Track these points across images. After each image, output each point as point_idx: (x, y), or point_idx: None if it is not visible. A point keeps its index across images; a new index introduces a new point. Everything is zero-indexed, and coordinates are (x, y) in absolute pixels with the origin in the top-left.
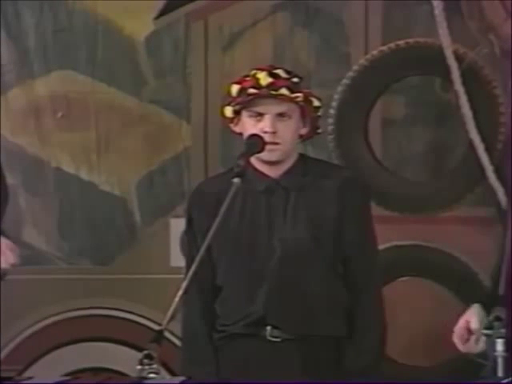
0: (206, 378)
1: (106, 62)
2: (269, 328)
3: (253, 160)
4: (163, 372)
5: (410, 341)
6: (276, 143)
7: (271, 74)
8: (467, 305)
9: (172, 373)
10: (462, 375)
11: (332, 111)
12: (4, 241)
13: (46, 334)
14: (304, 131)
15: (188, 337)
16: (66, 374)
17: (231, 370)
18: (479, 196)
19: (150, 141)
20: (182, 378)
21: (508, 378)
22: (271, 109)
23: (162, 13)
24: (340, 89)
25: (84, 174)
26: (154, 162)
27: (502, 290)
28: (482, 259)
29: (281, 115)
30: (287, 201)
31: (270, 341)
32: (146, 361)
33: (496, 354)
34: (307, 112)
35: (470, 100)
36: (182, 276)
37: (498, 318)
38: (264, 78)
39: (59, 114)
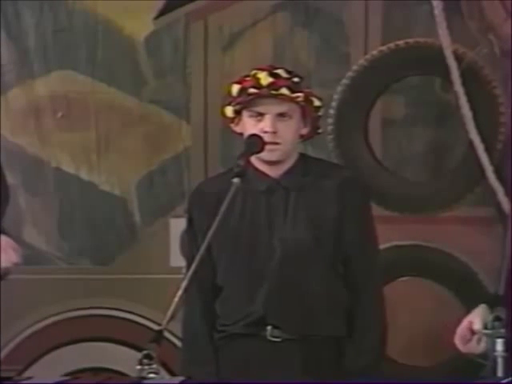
0: (206, 378)
1: (106, 62)
2: (269, 328)
3: (253, 160)
4: (163, 372)
5: (410, 341)
6: (276, 143)
7: (272, 74)
8: (467, 305)
9: (172, 373)
10: (462, 375)
11: (332, 111)
12: (7, 240)
13: (46, 334)
14: (305, 131)
15: (188, 337)
16: (66, 374)
17: (231, 370)
18: (479, 196)
19: (149, 141)
20: (181, 378)
21: (508, 377)
22: (272, 109)
23: (162, 13)
24: (340, 89)
25: (84, 174)
26: (154, 161)
27: (502, 289)
28: (482, 259)
29: (281, 115)
30: (287, 201)
31: (270, 341)
32: (145, 361)
33: (496, 353)
34: (308, 112)
35: (470, 100)
36: (181, 276)
37: (498, 318)
38: (265, 78)
39: (59, 114)
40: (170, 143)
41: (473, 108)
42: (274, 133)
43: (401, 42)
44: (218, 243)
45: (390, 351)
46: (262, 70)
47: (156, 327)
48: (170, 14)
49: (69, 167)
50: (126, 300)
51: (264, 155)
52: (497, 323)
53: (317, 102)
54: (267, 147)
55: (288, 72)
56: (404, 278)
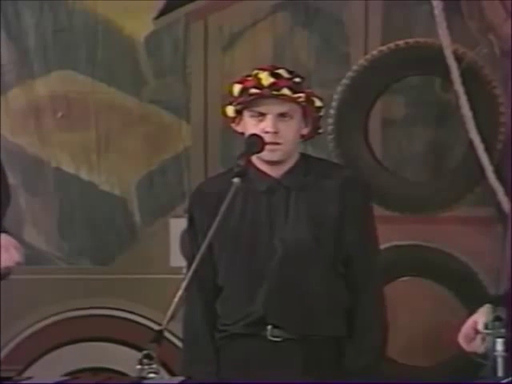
0: (207, 378)
1: (106, 62)
2: (269, 328)
3: (254, 160)
4: (163, 372)
5: (410, 341)
6: (277, 143)
7: (273, 74)
8: (467, 305)
9: (172, 373)
10: (462, 375)
11: (332, 111)
12: (8, 239)
13: (46, 334)
14: (305, 131)
15: (189, 336)
16: (66, 374)
17: (232, 370)
18: (479, 196)
19: (149, 141)
20: (181, 378)
21: (508, 378)
22: (273, 109)
23: (162, 13)
24: (340, 89)
25: (84, 174)
26: (154, 161)
27: (502, 289)
28: (482, 259)
29: (282, 115)
30: (288, 200)
31: (270, 341)
32: (145, 361)
33: (496, 353)
34: (309, 112)
35: (470, 100)
36: (181, 276)
37: (497, 318)
38: (266, 78)
39: (59, 114)
40: (170, 143)
41: (473, 108)
42: (275, 133)
43: (401, 42)
44: (218, 243)
45: (390, 351)
46: (264, 70)
47: (156, 327)
48: (170, 14)
49: (69, 167)
50: (126, 300)
51: (265, 155)
52: (497, 323)
53: (318, 103)
54: (268, 147)
55: (289, 72)
56: (404, 278)
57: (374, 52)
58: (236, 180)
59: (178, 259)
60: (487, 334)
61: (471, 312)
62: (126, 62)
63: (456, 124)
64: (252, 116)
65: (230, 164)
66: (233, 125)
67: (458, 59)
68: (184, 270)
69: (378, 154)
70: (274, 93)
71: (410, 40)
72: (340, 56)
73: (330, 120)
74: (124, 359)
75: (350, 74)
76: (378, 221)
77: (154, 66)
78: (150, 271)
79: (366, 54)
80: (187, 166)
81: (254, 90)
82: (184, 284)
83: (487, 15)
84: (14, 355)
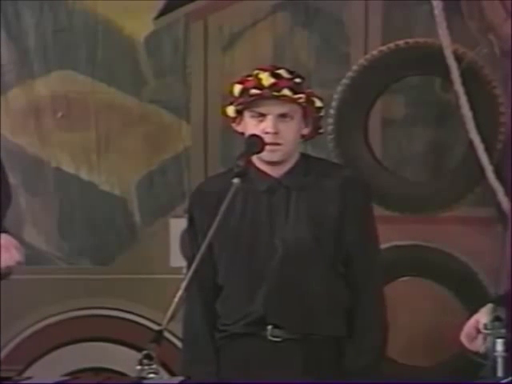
0: (207, 378)
1: (106, 62)
2: (269, 328)
3: (255, 160)
4: (163, 372)
5: (410, 341)
6: (278, 144)
7: (274, 75)
8: (467, 305)
9: (171, 373)
10: (462, 375)
11: (332, 111)
12: (9, 239)
13: (46, 334)
14: (306, 131)
15: (189, 336)
16: (66, 374)
17: (232, 370)
18: (479, 196)
19: (149, 141)
20: (181, 378)
21: (508, 377)
22: (273, 109)
23: (162, 13)
24: (340, 89)
25: (84, 174)
26: (154, 161)
27: (502, 289)
28: (482, 259)
29: (283, 116)
30: (289, 200)
31: (270, 340)
32: (145, 361)
33: (496, 353)
34: (309, 112)
35: (470, 100)
36: (181, 276)
37: (497, 318)
38: (266, 79)
39: (59, 114)
40: (170, 143)
41: (473, 108)
42: (276, 133)
43: (401, 42)
44: (218, 243)
45: (390, 351)
46: (264, 70)
47: (156, 327)
48: (170, 14)
49: (69, 167)
50: (126, 300)
51: (265, 156)
52: (497, 323)
53: (318, 103)
54: (268, 148)
55: (290, 72)
56: (404, 278)
57: (374, 52)
58: (236, 180)
59: (178, 259)
60: (487, 334)
61: (471, 312)
62: (126, 62)
63: (456, 124)
64: (252, 116)
65: (229, 164)
66: (233, 125)
67: (458, 59)
68: (184, 270)
69: (378, 153)
70: (275, 93)
71: (410, 40)
72: (340, 56)
73: (330, 120)
74: (124, 359)
75: (349, 74)
76: (378, 221)
77: (154, 66)
78: (150, 271)
79: (365, 53)
80: (187, 166)
81: (254, 91)
82: (184, 284)
83: (487, 15)
84: (14, 355)
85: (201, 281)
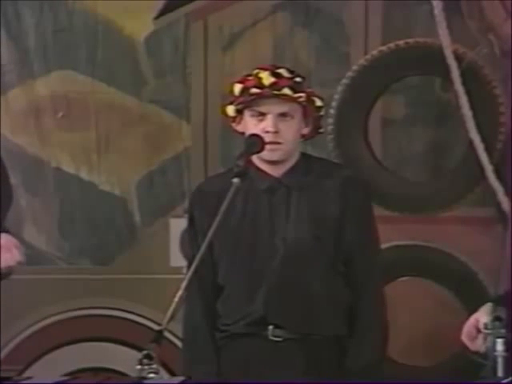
0: (207, 378)
1: (106, 62)
2: (270, 327)
3: (255, 159)
4: (163, 372)
5: (410, 341)
6: (278, 143)
7: (274, 74)
8: (467, 305)
9: (172, 373)
10: (462, 375)
11: (332, 111)
12: (10, 238)
13: (46, 334)
14: (306, 131)
15: (189, 336)
16: (66, 374)
17: (232, 370)
18: (479, 196)
19: (149, 141)
20: (181, 378)
21: (508, 377)
22: (273, 108)
23: (162, 13)
24: (340, 89)
25: (84, 174)
26: (154, 161)
27: (502, 289)
28: (482, 259)
29: (283, 115)
30: (289, 200)
31: (271, 340)
32: (145, 361)
33: (496, 353)
34: (309, 112)
35: (470, 100)
36: (181, 276)
37: (497, 318)
38: (267, 78)
39: (59, 114)
40: (170, 143)
41: (473, 108)
42: (276, 133)
43: (401, 42)
44: (219, 242)
45: (390, 351)
46: (264, 69)
47: (156, 327)
48: (170, 14)
49: (69, 167)
50: (126, 300)
51: (266, 155)
52: (497, 323)
53: (318, 102)
54: (269, 147)
55: (290, 72)
56: (404, 278)
57: (374, 52)
58: (236, 180)
59: (178, 259)
60: (487, 333)
61: (471, 312)
62: (126, 62)
63: (456, 124)
64: (252, 116)
65: (229, 164)
66: (233, 124)
67: (458, 59)
68: (184, 270)
69: (378, 153)
70: (275, 92)
71: (410, 40)
72: (340, 56)
73: (330, 120)
74: (124, 359)
75: (349, 73)
76: (378, 221)
77: (154, 66)
78: (150, 271)
79: (366, 54)
80: (187, 166)
81: (254, 90)
82: (184, 284)
83: (487, 15)
84: (14, 355)
85: (201, 281)
